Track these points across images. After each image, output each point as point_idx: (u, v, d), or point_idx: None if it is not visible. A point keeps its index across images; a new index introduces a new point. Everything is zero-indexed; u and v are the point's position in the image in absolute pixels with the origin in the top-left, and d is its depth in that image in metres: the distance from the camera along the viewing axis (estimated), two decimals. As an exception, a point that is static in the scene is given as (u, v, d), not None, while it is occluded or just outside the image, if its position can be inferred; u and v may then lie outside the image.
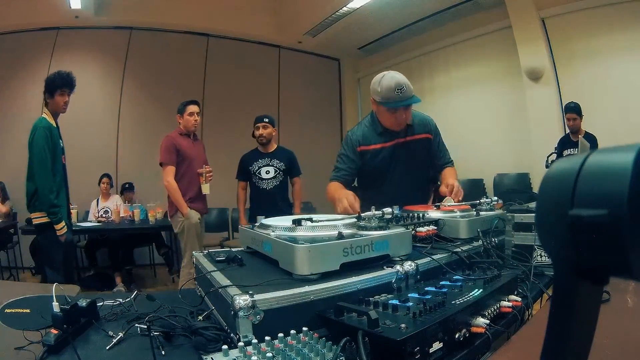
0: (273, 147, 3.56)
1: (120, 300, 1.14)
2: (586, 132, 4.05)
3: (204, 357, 0.71)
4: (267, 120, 3.49)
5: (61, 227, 2.53)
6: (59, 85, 2.62)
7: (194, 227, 3.27)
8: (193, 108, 3.36)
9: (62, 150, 2.63)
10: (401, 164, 1.98)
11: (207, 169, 3.32)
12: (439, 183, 2.08)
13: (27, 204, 2.54)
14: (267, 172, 3.48)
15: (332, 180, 1.98)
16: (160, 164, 3.26)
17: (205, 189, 3.29)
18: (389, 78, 1.82)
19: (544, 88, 4.70)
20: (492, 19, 5.22)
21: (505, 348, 0.83)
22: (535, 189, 4.44)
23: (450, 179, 1.92)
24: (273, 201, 3.47)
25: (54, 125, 2.62)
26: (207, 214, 3.62)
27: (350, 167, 1.98)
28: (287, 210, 3.55)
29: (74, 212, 3.84)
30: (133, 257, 4.87)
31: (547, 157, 3.98)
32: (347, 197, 1.67)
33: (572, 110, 4.05)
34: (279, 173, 3.51)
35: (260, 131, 3.47)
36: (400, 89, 1.79)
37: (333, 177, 1.99)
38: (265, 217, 1.29)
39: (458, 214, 1.40)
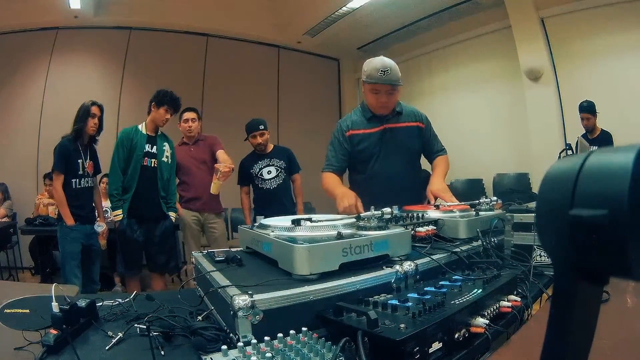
0: (270, 147, 3.56)
1: (120, 300, 1.14)
2: (602, 130, 4.05)
3: (204, 357, 0.71)
4: (262, 127, 3.45)
5: (117, 214, 3.01)
6: (168, 103, 3.02)
7: (186, 227, 3.43)
8: (187, 115, 3.47)
9: (143, 154, 3.01)
10: (389, 149, 2.01)
11: (223, 166, 2.89)
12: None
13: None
14: (269, 172, 3.48)
15: (326, 171, 2.01)
16: None
17: (214, 188, 2.94)
18: (378, 59, 1.89)
19: (543, 88, 4.70)
20: (491, 18, 5.23)
21: (505, 348, 0.83)
22: (535, 189, 4.44)
23: (434, 182, 1.93)
24: (278, 200, 3.46)
25: (144, 132, 3.06)
26: (217, 213, 3.51)
27: (342, 153, 2.01)
28: (292, 208, 3.55)
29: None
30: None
31: (560, 153, 3.93)
32: (348, 198, 1.68)
33: (586, 110, 4.02)
34: (281, 172, 3.50)
35: (258, 140, 3.43)
36: (385, 71, 1.85)
37: (326, 167, 2.02)
38: (271, 217, 1.29)
39: (457, 214, 1.40)
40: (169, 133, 3.33)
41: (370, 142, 2.01)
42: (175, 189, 3.31)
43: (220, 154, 3.32)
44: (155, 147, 3.08)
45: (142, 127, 3.08)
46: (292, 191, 3.70)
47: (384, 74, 1.86)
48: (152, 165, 3.05)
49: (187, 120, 3.44)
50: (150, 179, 3.04)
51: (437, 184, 1.91)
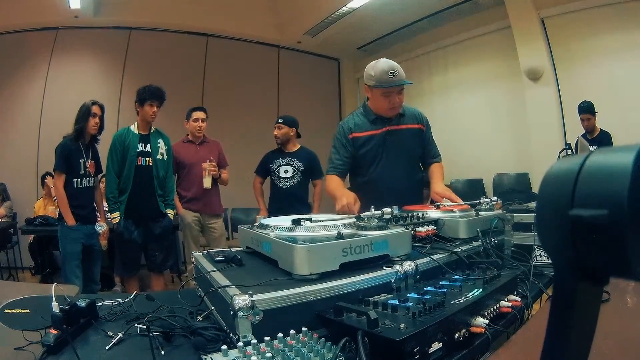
0: (295, 147, 3.58)
1: (120, 300, 1.14)
2: (601, 130, 4.05)
3: (204, 357, 0.71)
4: (280, 121, 3.52)
5: (114, 217, 3.04)
6: (148, 97, 3.01)
7: (187, 227, 3.43)
8: (197, 114, 3.51)
9: (137, 154, 3.03)
10: (392, 151, 2.02)
11: (210, 164, 3.34)
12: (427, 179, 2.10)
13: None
14: (286, 171, 3.50)
15: (330, 174, 2.02)
16: None
17: (206, 182, 3.31)
18: (383, 62, 1.90)
19: (543, 88, 4.70)
20: (491, 19, 5.22)
21: (505, 348, 0.83)
22: (535, 189, 4.44)
23: (437, 185, 1.94)
24: (289, 200, 3.46)
25: (136, 132, 3.07)
26: (217, 214, 3.57)
27: (345, 155, 2.02)
28: (303, 211, 3.51)
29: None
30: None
31: (559, 153, 3.93)
32: (347, 197, 1.68)
33: (586, 111, 4.02)
34: (297, 173, 3.51)
35: (275, 132, 3.52)
36: (394, 72, 1.87)
37: (330, 170, 2.03)
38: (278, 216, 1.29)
39: (457, 213, 1.40)
40: (171, 131, 3.32)
41: (373, 144, 2.01)
42: (174, 186, 3.31)
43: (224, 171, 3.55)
44: (149, 145, 3.08)
45: (134, 127, 3.10)
46: (311, 195, 3.71)
47: (394, 75, 1.86)
48: (147, 164, 3.05)
49: (197, 120, 3.49)
50: (146, 178, 3.05)
51: (440, 187, 1.92)
